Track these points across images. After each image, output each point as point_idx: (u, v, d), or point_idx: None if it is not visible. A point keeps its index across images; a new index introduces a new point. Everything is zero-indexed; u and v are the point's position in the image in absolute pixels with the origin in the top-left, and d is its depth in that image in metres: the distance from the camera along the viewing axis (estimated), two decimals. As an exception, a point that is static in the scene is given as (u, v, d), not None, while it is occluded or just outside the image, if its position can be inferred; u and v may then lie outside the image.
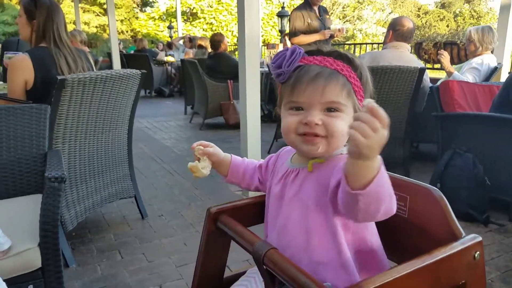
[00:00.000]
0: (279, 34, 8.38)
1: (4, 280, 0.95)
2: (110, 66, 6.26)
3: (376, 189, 0.63)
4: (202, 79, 5.02)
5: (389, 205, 0.68)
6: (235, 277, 1.00)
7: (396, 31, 3.25)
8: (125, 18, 22.41)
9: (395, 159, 3.18)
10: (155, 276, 1.87)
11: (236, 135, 4.21)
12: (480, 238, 0.77)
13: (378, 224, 0.87)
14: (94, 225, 2.41)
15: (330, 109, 0.79)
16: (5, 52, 2.70)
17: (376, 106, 0.59)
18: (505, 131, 2.49)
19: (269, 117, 5.55)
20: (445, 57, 3.41)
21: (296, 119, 0.81)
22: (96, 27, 20.89)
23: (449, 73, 3.38)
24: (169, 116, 6.35)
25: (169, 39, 12.65)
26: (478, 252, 0.76)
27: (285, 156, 0.96)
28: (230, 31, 19.35)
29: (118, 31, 9.30)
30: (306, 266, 0.75)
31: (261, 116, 3.15)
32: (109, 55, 6.90)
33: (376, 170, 0.63)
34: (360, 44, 10.08)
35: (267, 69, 5.29)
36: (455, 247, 0.74)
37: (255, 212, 0.99)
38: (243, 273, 1.02)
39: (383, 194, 0.65)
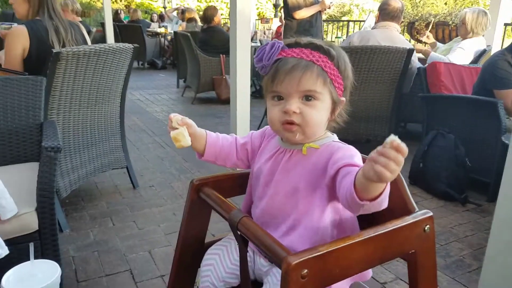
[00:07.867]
0: (274, 8, 8.29)
1: (4, 241, 1.05)
2: (103, 36, 6.19)
3: (381, 200, 0.72)
4: (195, 53, 5.02)
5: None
6: (215, 242, 1.10)
7: (382, 10, 3.30)
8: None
9: (379, 138, 3.26)
10: (145, 242, 1.98)
11: (227, 110, 4.24)
12: (431, 214, 0.87)
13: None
14: (87, 193, 2.50)
15: (308, 97, 0.86)
16: (0, 23, 2.71)
17: (400, 142, 0.63)
18: (484, 113, 2.55)
19: (260, 93, 5.56)
20: (428, 39, 3.50)
21: (278, 109, 0.88)
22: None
23: (426, 54, 3.48)
24: (161, 89, 6.36)
25: (163, 10, 12.43)
26: (428, 226, 0.86)
27: (272, 134, 1.02)
28: (225, 2, 19.00)
29: (112, 0, 9.10)
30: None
31: (252, 92, 3.20)
32: (102, 25, 6.82)
33: (385, 185, 0.70)
34: (354, 21, 9.98)
35: (259, 44, 5.28)
36: (407, 220, 0.84)
37: (234, 184, 1.08)
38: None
39: (385, 201, 0.74)
